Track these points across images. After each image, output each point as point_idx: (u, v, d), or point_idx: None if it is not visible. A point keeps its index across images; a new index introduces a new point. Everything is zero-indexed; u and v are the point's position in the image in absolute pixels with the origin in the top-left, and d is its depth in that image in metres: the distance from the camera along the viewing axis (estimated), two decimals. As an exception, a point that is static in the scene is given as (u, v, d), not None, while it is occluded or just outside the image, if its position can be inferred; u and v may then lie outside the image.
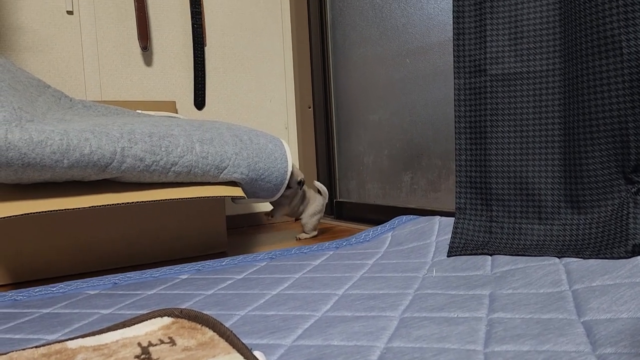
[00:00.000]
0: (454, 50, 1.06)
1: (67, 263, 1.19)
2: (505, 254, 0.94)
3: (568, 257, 0.86)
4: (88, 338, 0.63)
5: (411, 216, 1.38)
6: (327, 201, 1.55)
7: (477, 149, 1.05)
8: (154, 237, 1.29)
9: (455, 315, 0.67)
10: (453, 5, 1.05)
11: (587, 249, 0.86)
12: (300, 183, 1.45)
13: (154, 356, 0.56)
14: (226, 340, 0.59)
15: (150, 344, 0.59)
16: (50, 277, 1.17)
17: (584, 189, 0.91)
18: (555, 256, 0.88)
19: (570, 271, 0.79)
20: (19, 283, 1.13)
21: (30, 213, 0.98)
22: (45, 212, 0.99)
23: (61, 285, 1.00)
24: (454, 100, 1.07)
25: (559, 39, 0.95)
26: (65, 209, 1.01)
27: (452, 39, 1.26)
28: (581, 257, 0.84)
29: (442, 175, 1.49)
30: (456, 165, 1.08)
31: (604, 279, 0.73)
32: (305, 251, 1.22)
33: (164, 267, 1.11)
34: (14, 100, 1.04)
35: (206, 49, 1.76)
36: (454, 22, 1.05)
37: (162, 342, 0.60)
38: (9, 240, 1.13)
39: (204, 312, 0.75)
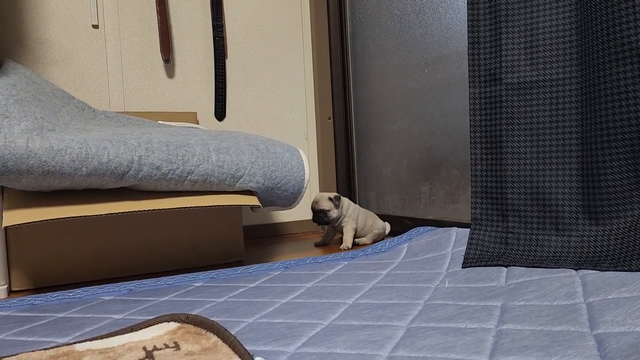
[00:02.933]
0: (469, 59, 1.05)
1: (86, 269, 1.21)
2: (521, 266, 0.92)
3: (585, 269, 0.84)
4: (96, 341, 0.64)
5: (428, 227, 1.36)
6: (383, 230, 1.62)
7: (492, 158, 1.03)
8: (171, 245, 1.31)
9: (464, 326, 0.66)
10: (468, 14, 1.05)
11: (605, 261, 0.84)
12: (331, 200, 1.51)
13: (155, 360, 0.56)
14: (229, 346, 0.59)
15: (155, 348, 0.60)
16: (70, 283, 1.20)
17: (602, 199, 0.89)
18: (572, 268, 0.86)
19: (586, 283, 0.77)
20: (40, 288, 1.16)
21: (50, 219, 1.00)
22: (65, 218, 1.01)
23: (78, 290, 1.02)
24: (469, 109, 1.06)
25: (575, 47, 0.93)
26: (84, 216, 1.03)
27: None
28: (598, 270, 0.82)
29: (460, 186, 1.47)
30: (471, 176, 1.06)
31: (620, 291, 0.71)
32: (320, 261, 1.22)
33: (179, 275, 1.12)
34: (37, 110, 1.07)
35: (227, 61, 1.79)
36: (468, 31, 1.05)
37: (166, 346, 0.60)
38: (30, 247, 1.16)
39: (212, 319, 0.75)
